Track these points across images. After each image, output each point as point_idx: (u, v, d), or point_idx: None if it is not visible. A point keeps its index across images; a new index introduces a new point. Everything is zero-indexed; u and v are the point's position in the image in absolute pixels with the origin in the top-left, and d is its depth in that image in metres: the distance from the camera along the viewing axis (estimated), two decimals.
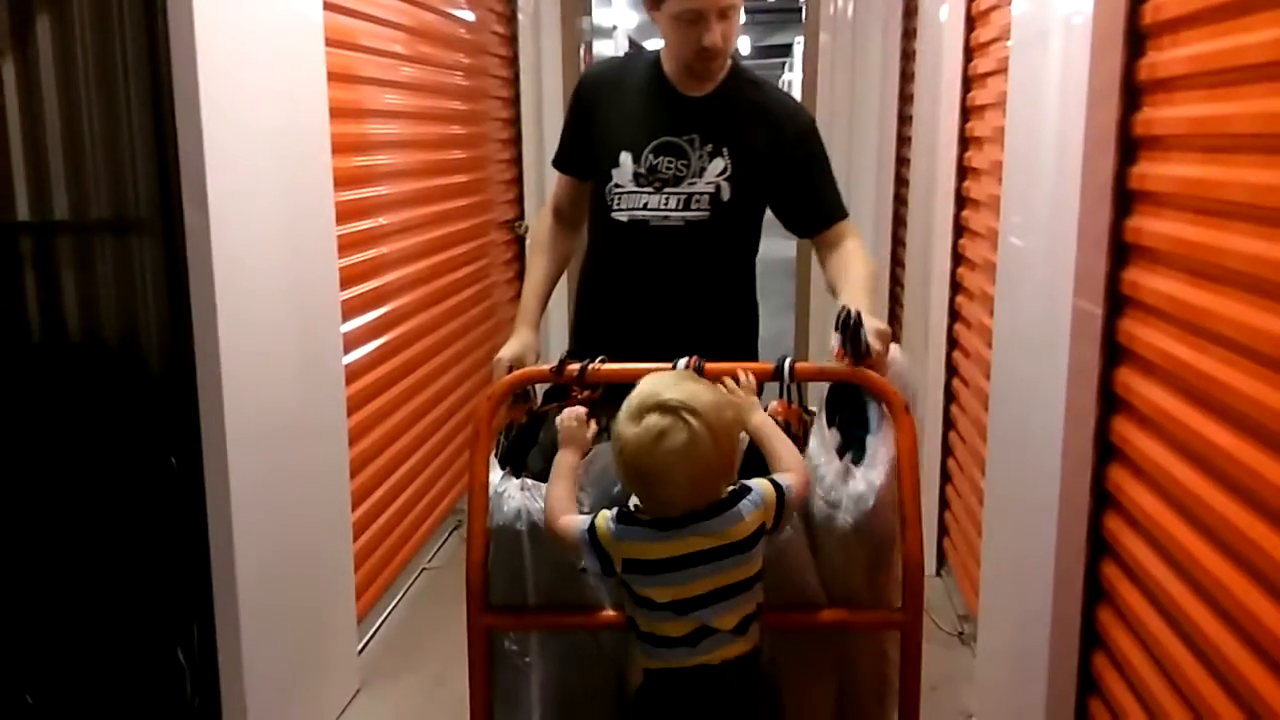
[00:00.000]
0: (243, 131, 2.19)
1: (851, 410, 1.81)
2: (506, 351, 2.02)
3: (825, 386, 1.86)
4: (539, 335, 2.13)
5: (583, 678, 1.76)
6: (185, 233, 2.09)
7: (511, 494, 1.70)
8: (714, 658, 1.52)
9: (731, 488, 1.56)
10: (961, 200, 3.25)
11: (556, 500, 1.59)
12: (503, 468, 1.77)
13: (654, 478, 1.47)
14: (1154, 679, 1.71)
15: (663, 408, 1.46)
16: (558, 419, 1.67)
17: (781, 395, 1.81)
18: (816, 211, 2.16)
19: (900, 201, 4.29)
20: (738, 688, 1.55)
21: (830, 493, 1.67)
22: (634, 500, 1.60)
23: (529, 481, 1.72)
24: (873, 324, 1.73)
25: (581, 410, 1.67)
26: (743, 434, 1.65)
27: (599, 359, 1.79)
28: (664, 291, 2.13)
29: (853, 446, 1.76)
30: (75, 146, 2.18)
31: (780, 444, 1.65)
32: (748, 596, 1.56)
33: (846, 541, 1.69)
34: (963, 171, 3.23)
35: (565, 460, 1.62)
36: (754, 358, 2.14)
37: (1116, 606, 1.89)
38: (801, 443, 1.79)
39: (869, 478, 1.68)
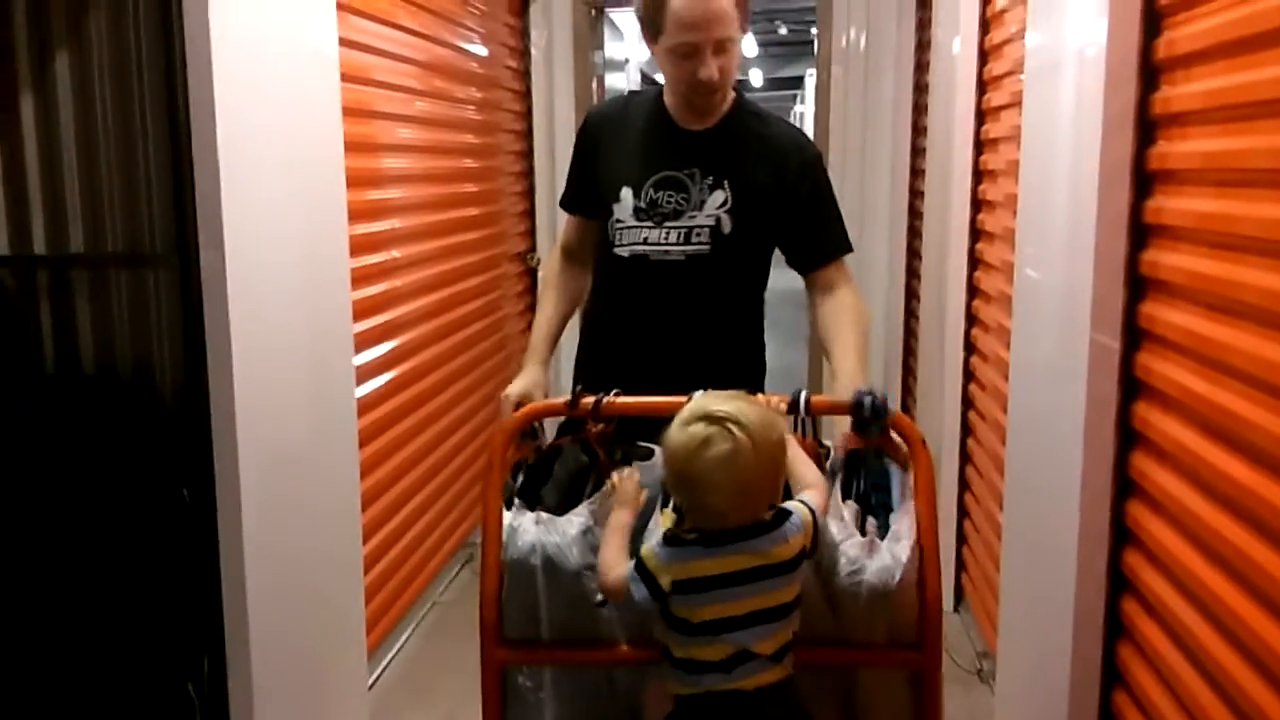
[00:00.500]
0: (259, 166, 2.21)
1: (869, 479, 1.80)
2: (514, 388, 2.02)
3: (838, 444, 1.85)
4: (548, 372, 2.13)
5: (596, 714, 1.74)
6: (200, 267, 2.10)
7: (526, 528, 1.69)
8: (749, 684, 1.52)
9: (772, 510, 1.57)
10: (976, 233, 3.25)
11: (609, 560, 1.59)
12: (510, 505, 1.76)
13: (699, 484, 1.50)
14: (1176, 717, 1.68)
15: (710, 418, 1.50)
16: (622, 485, 1.67)
17: (796, 429, 1.80)
18: (814, 247, 2.14)
19: (914, 234, 4.29)
20: (775, 713, 1.54)
21: (854, 565, 1.65)
22: (668, 522, 1.61)
23: (544, 515, 1.71)
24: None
25: (638, 474, 1.67)
26: None
27: (614, 392, 1.79)
28: (666, 326, 2.12)
29: (876, 514, 1.74)
30: (92, 180, 2.20)
31: (801, 463, 1.68)
32: (786, 623, 1.56)
33: (870, 614, 1.68)
34: (977, 204, 3.23)
35: (619, 520, 1.62)
36: (760, 392, 2.14)
37: (1137, 643, 1.87)
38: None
39: (895, 551, 1.66)
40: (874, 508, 1.74)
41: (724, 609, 1.52)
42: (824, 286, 2.11)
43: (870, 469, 1.80)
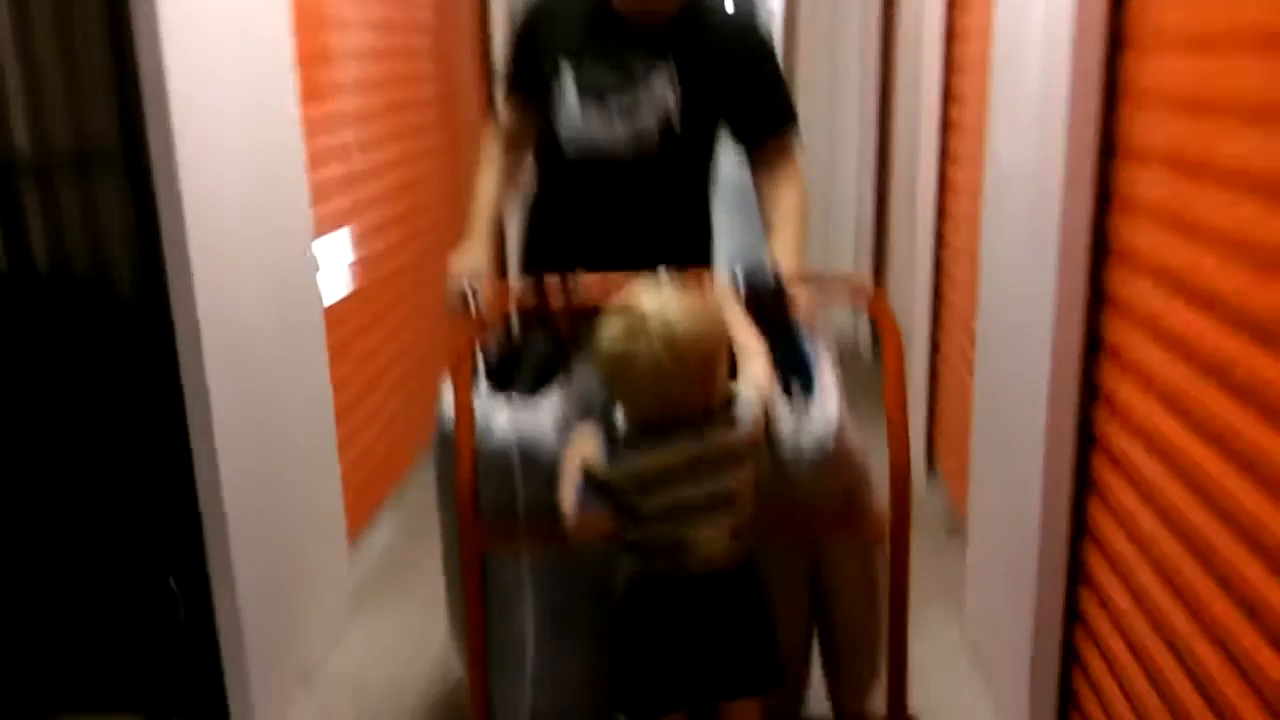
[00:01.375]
0: (205, 49, 2.11)
1: (782, 350, 1.79)
2: (462, 264, 1.97)
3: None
4: (491, 248, 2.06)
5: (574, 591, 1.77)
6: (150, 156, 2.03)
7: (499, 415, 1.68)
8: (700, 565, 1.53)
9: (727, 399, 1.55)
10: (948, 96, 3.19)
11: (564, 494, 1.57)
12: (490, 385, 1.76)
13: (622, 384, 1.48)
14: (1143, 570, 1.73)
15: (633, 315, 1.46)
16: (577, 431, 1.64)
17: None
18: (757, 121, 2.08)
19: (886, 96, 4.23)
20: (725, 594, 1.56)
21: (792, 436, 1.66)
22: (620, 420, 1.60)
23: (517, 402, 1.71)
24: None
25: (589, 426, 1.64)
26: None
27: (579, 275, 1.76)
28: (615, 220, 2.07)
29: (797, 380, 1.74)
30: (33, 78, 2.10)
31: (742, 330, 1.65)
32: (738, 509, 1.56)
33: (821, 480, 1.69)
34: (949, 66, 3.16)
35: (571, 456, 1.59)
36: (708, 265, 2.11)
37: (1105, 499, 1.91)
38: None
39: (825, 415, 1.67)
40: (791, 371, 1.74)
41: (673, 499, 1.51)
42: (766, 164, 2.06)
43: (784, 345, 1.79)
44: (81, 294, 2.21)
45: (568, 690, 1.80)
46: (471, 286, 1.92)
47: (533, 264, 2.08)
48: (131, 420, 2.22)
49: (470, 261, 1.99)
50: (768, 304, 1.76)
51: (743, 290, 1.75)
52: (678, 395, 1.46)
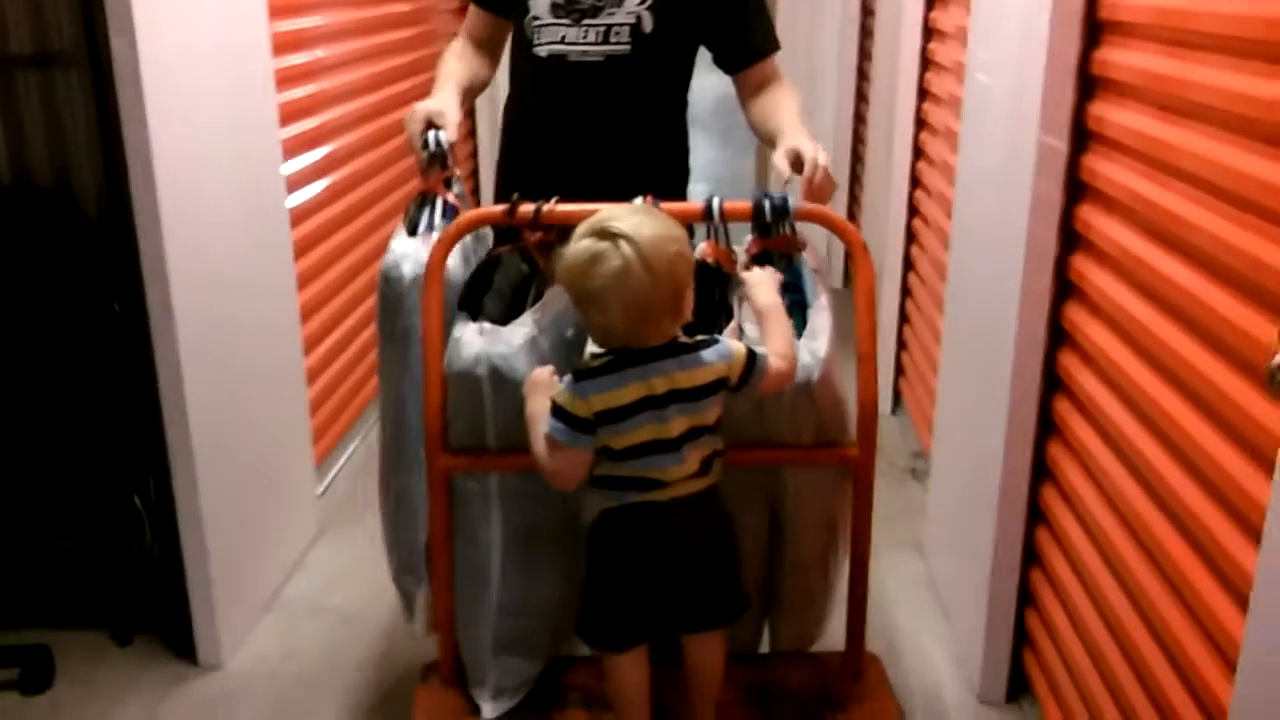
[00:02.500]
0: None
1: (788, 276, 1.78)
2: (425, 104, 1.89)
3: (749, 253, 1.81)
4: (458, 104, 1.98)
5: (541, 515, 1.77)
6: (113, 64, 1.97)
7: (470, 340, 1.67)
8: (664, 496, 1.53)
9: (701, 337, 1.54)
10: (929, 32, 3.16)
11: (542, 451, 1.54)
12: (414, 233, 1.76)
13: (588, 302, 1.46)
14: (1102, 512, 1.75)
15: (602, 233, 1.44)
16: (529, 377, 1.62)
17: (710, 236, 1.77)
18: (742, 46, 2.06)
19: (865, 33, 4.18)
20: (694, 524, 1.57)
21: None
22: (588, 352, 1.58)
23: (488, 326, 1.69)
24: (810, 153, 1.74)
25: (550, 368, 1.62)
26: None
27: (554, 200, 1.74)
28: (587, 128, 2.04)
29: (792, 313, 1.73)
30: None
31: (777, 327, 1.62)
32: (708, 441, 1.56)
33: (794, 415, 1.69)
34: (930, 1, 3.12)
35: (536, 408, 1.57)
36: (683, 198, 2.10)
37: (1067, 440, 1.93)
38: (730, 283, 1.77)
39: (813, 349, 1.66)
40: (790, 307, 1.73)
41: (642, 434, 1.50)
42: (755, 85, 2.04)
43: (779, 270, 1.79)
44: (43, 205, 2.16)
45: (532, 617, 1.81)
46: (434, 123, 1.85)
47: (508, 184, 2.04)
48: (96, 338, 2.19)
49: (433, 102, 1.91)
50: (776, 228, 1.74)
51: (768, 211, 1.73)
52: (648, 309, 1.45)
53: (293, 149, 2.76)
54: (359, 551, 2.76)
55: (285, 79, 2.68)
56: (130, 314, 2.13)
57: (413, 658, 2.02)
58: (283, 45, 2.66)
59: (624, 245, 1.42)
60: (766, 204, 1.73)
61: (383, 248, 3.49)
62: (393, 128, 3.62)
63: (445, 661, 1.85)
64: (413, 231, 1.83)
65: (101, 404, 2.24)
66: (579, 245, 1.46)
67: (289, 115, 2.72)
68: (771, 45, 2.08)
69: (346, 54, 3.22)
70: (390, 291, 1.79)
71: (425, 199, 1.86)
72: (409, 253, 1.78)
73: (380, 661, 2.34)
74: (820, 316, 1.72)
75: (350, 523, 2.91)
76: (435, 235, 1.77)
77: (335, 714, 2.19)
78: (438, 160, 1.84)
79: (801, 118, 1.95)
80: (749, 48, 2.06)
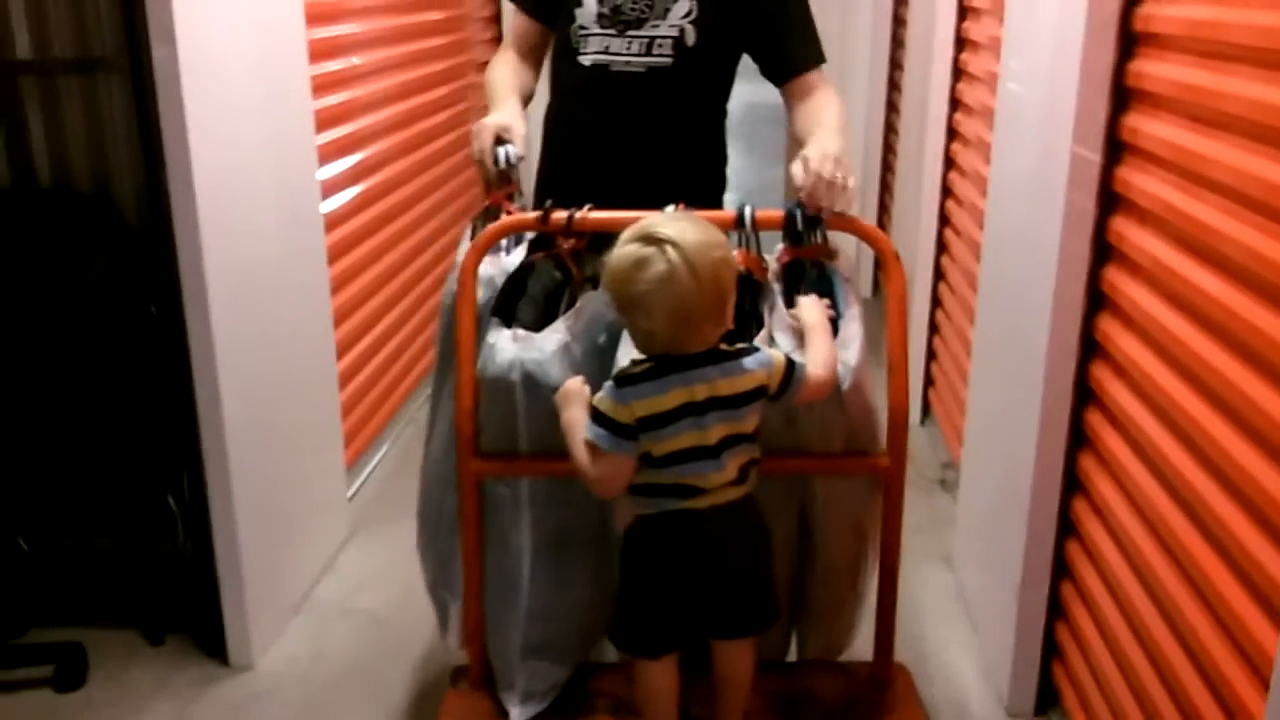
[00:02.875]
0: None
1: (811, 289, 1.78)
2: (492, 118, 1.90)
3: (780, 262, 1.82)
4: (520, 115, 1.99)
5: (571, 521, 1.78)
6: (154, 71, 2.01)
7: (504, 345, 1.68)
8: (703, 503, 1.54)
9: (741, 345, 1.55)
10: (961, 43, 3.15)
11: (582, 458, 1.54)
12: (495, 315, 1.75)
13: (636, 306, 1.47)
14: (1133, 524, 1.74)
15: (648, 239, 1.46)
16: (561, 389, 1.62)
17: (742, 245, 1.78)
18: (787, 58, 2.06)
19: (897, 44, 4.17)
20: (730, 532, 1.57)
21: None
22: (627, 358, 1.60)
23: (521, 333, 1.70)
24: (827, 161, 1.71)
25: (580, 378, 1.62)
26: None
27: (586, 207, 1.75)
28: (627, 138, 2.06)
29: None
30: None
31: (820, 339, 1.63)
32: (746, 449, 1.56)
33: (825, 424, 1.69)
34: (963, 11, 3.12)
35: (572, 418, 1.57)
36: (719, 207, 2.10)
37: (1099, 453, 1.92)
38: (761, 291, 1.78)
39: (844, 358, 1.66)
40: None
41: (682, 441, 1.51)
42: (801, 95, 2.05)
43: (810, 279, 1.79)
44: (83, 208, 2.20)
45: (561, 622, 1.82)
46: (503, 138, 1.85)
47: (548, 191, 2.06)
48: (133, 340, 2.22)
49: (501, 117, 1.91)
50: (807, 237, 1.75)
51: (799, 220, 1.73)
52: (692, 314, 1.45)
53: (328, 155, 2.79)
54: (389, 554, 2.78)
55: (321, 85, 2.71)
56: (167, 316, 2.16)
57: (443, 661, 2.03)
58: (319, 52, 2.70)
59: (670, 250, 1.43)
60: (798, 214, 1.74)
61: (415, 253, 3.52)
62: (425, 134, 3.65)
63: (475, 665, 1.86)
64: (495, 313, 1.79)
65: (137, 405, 2.27)
66: (624, 250, 1.47)
67: (324, 121, 2.75)
68: (815, 57, 2.08)
69: (381, 61, 3.25)
70: (453, 317, 1.78)
71: (490, 214, 1.85)
72: (498, 343, 1.73)
73: (410, 664, 2.35)
74: (851, 326, 1.72)
75: (380, 526, 2.93)
76: (505, 256, 1.78)
77: (365, 716, 2.21)
78: (506, 175, 1.84)
79: (838, 124, 1.93)
80: (793, 59, 2.06)
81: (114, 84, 2.13)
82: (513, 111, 1.95)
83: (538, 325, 1.73)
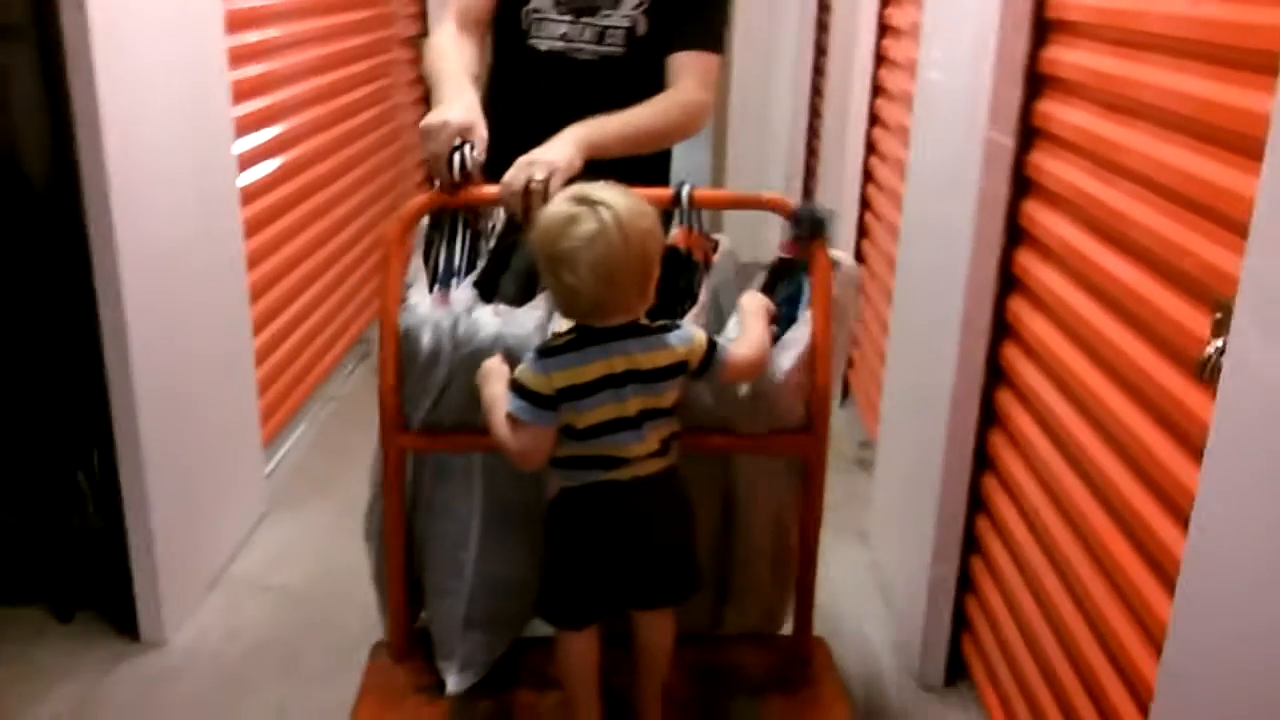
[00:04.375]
0: None
1: (786, 290, 1.80)
2: (452, 114, 1.72)
3: (780, 246, 1.83)
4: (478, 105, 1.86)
5: (521, 495, 1.78)
6: (64, 38, 1.95)
7: (486, 321, 1.67)
8: (625, 475, 1.55)
9: (664, 321, 1.56)
10: (883, 29, 3.20)
11: (503, 433, 1.54)
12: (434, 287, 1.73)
13: (558, 262, 1.47)
14: (1040, 500, 1.80)
15: (581, 199, 1.48)
16: (482, 367, 1.61)
17: (683, 222, 1.79)
18: (672, 34, 2.00)
19: (822, 29, 4.21)
20: (651, 503, 1.58)
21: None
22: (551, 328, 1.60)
23: (502, 308, 1.70)
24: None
25: (500, 357, 1.62)
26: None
27: (478, 169, 1.74)
28: (574, 109, 2.05)
29: (780, 324, 1.75)
30: None
31: (752, 323, 1.65)
32: (666, 422, 1.58)
33: (753, 410, 1.71)
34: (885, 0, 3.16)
35: (495, 392, 1.57)
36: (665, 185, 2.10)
37: (1008, 431, 1.98)
38: (705, 269, 1.79)
39: (779, 359, 1.69)
40: (781, 320, 1.76)
41: (603, 413, 1.52)
42: (670, 78, 1.99)
43: (792, 281, 1.81)
44: None
45: (504, 595, 1.82)
46: (465, 140, 1.71)
47: (490, 172, 2.00)
48: (42, 311, 2.16)
49: (460, 114, 1.73)
50: (807, 239, 1.74)
51: (805, 227, 1.73)
52: (617, 276, 1.46)
53: (245, 127, 2.74)
54: (306, 532, 2.76)
55: (238, 56, 2.66)
56: (78, 288, 2.10)
57: (359, 637, 2.02)
58: (236, 22, 2.64)
59: (601, 210, 1.45)
60: (805, 214, 1.74)
61: (336, 229, 3.45)
62: (348, 109, 3.59)
63: (398, 639, 1.85)
64: (434, 281, 1.75)
65: (45, 378, 2.21)
66: (556, 208, 1.49)
67: (242, 93, 2.70)
68: (695, 41, 2.01)
69: (301, 33, 3.19)
70: (412, 358, 1.70)
71: (441, 225, 1.78)
72: (429, 318, 1.69)
73: (326, 640, 2.33)
74: (800, 331, 1.73)
75: (297, 504, 2.89)
76: (458, 289, 1.73)
77: (280, 691, 2.19)
78: (463, 182, 1.72)
79: (614, 125, 1.85)
80: (677, 36, 2.00)
81: (23, 52, 2.06)
82: (471, 107, 1.80)
83: (520, 300, 1.73)
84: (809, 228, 1.74)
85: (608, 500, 1.56)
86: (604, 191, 1.49)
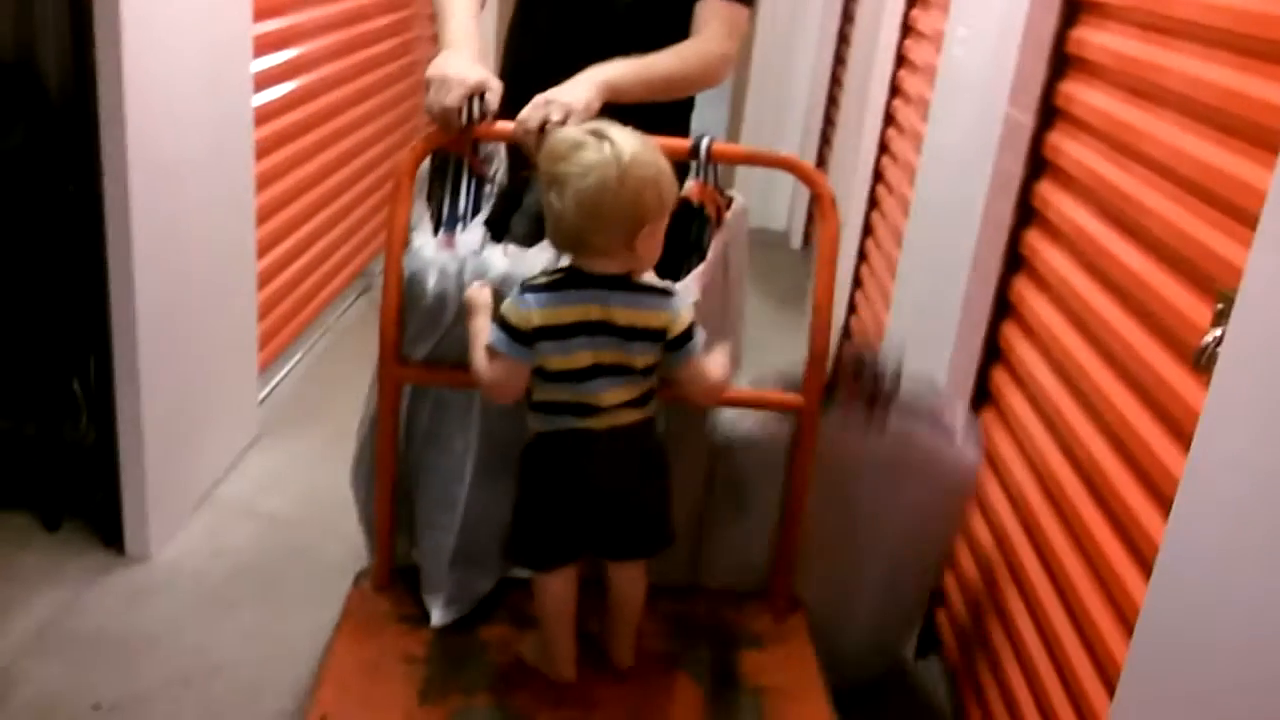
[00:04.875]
0: None
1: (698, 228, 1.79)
2: (469, 74, 1.70)
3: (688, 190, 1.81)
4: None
5: (515, 431, 1.78)
6: None
7: (497, 261, 1.66)
8: (600, 424, 1.55)
9: (662, 285, 1.55)
10: (912, 0, 3.17)
11: (481, 366, 1.54)
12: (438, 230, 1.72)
13: (554, 183, 1.46)
14: (1025, 479, 1.81)
15: (593, 131, 1.47)
16: (467, 295, 1.61)
17: (698, 175, 1.78)
18: None
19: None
20: (625, 453, 1.58)
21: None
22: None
23: (512, 249, 1.69)
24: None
25: (487, 287, 1.61)
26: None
27: (490, 116, 1.72)
28: (595, 52, 2.03)
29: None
30: None
31: (721, 358, 1.62)
32: (645, 379, 1.57)
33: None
34: None
35: (479, 324, 1.57)
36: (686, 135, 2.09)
37: (1000, 409, 1.98)
38: (717, 224, 1.78)
39: (690, 285, 1.67)
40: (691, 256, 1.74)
41: (579, 359, 1.51)
42: (697, 26, 1.95)
43: (702, 219, 1.79)
44: (4, 77, 2.11)
45: (492, 533, 1.83)
46: (480, 91, 1.69)
47: (507, 112, 1.97)
48: (48, 217, 2.15)
49: (473, 71, 1.71)
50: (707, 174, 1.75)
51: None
52: (601, 212, 1.44)
53: (264, 47, 2.72)
54: (295, 460, 2.77)
55: None
56: (85, 196, 2.09)
57: (341, 565, 2.03)
58: None
59: (607, 147, 1.44)
60: (704, 143, 1.73)
61: (348, 156, 3.43)
62: (368, 36, 3.56)
63: (381, 569, 1.87)
64: (438, 225, 1.74)
65: (47, 285, 2.21)
66: (567, 132, 1.49)
67: (262, 11, 2.67)
68: None
69: None
70: (416, 301, 1.70)
71: (445, 168, 1.76)
72: (435, 261, 1.67)
73: (310, 567, 2.35)
74: (709, 259, 1.71)
75: (289, 431, 2.90)
76: (463, 232, 1.71)
77: (260, 612, 2.21)
78: (472, 129, 1.70)
79: (633, 69, 1.82)
80: None
81: None
82: (471, 57, 1.76)
83: (530, 240, 1.72)
84: (705, 156, 1.72)
85: (577, 447, 1.56)
86: (619, 132, 1.47)
